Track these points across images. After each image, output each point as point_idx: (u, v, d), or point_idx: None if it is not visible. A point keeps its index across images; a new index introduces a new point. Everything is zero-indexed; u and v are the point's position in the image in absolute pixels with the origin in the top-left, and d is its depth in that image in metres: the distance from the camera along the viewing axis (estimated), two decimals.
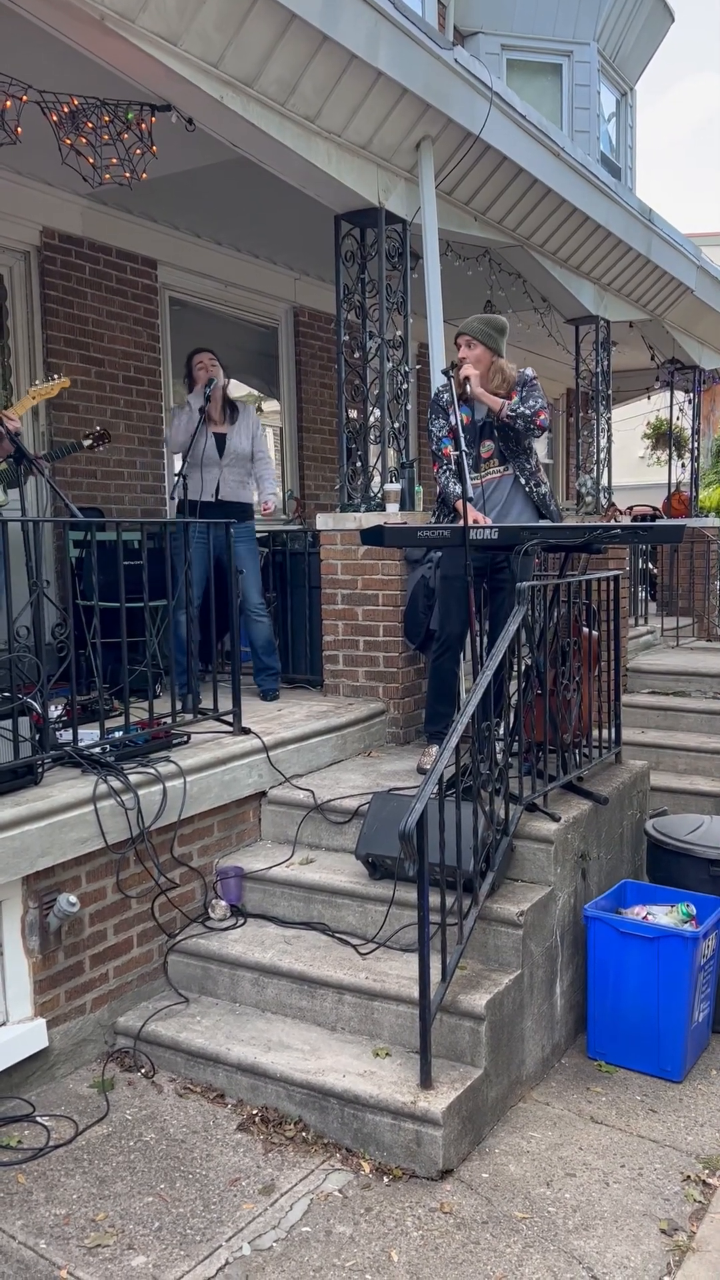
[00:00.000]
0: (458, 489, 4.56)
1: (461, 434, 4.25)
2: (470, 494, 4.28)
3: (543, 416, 4.53)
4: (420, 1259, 2.71)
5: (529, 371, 4.63)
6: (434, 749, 4.74)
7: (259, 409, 8.83)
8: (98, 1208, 2.90)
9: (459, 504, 4.52)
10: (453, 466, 4.61)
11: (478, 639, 4.49)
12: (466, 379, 4.52)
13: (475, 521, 4.30)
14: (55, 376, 4.99)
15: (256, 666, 5.59)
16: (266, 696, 5.50)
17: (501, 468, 4.65)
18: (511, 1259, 2.72)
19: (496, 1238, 2.81)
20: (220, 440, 5.52)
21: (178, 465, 5.45)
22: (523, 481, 4.66)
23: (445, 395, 4.57)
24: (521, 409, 4.51)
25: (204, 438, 5.48)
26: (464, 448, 4.21)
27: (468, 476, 4.25)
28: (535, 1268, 2.69)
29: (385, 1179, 3.06)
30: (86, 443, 5.25)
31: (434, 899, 3.23)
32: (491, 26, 10.21)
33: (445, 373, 4.58)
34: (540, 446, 12.95)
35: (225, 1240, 2.77)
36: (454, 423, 4.38)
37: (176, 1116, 3.35)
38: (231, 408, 5.63)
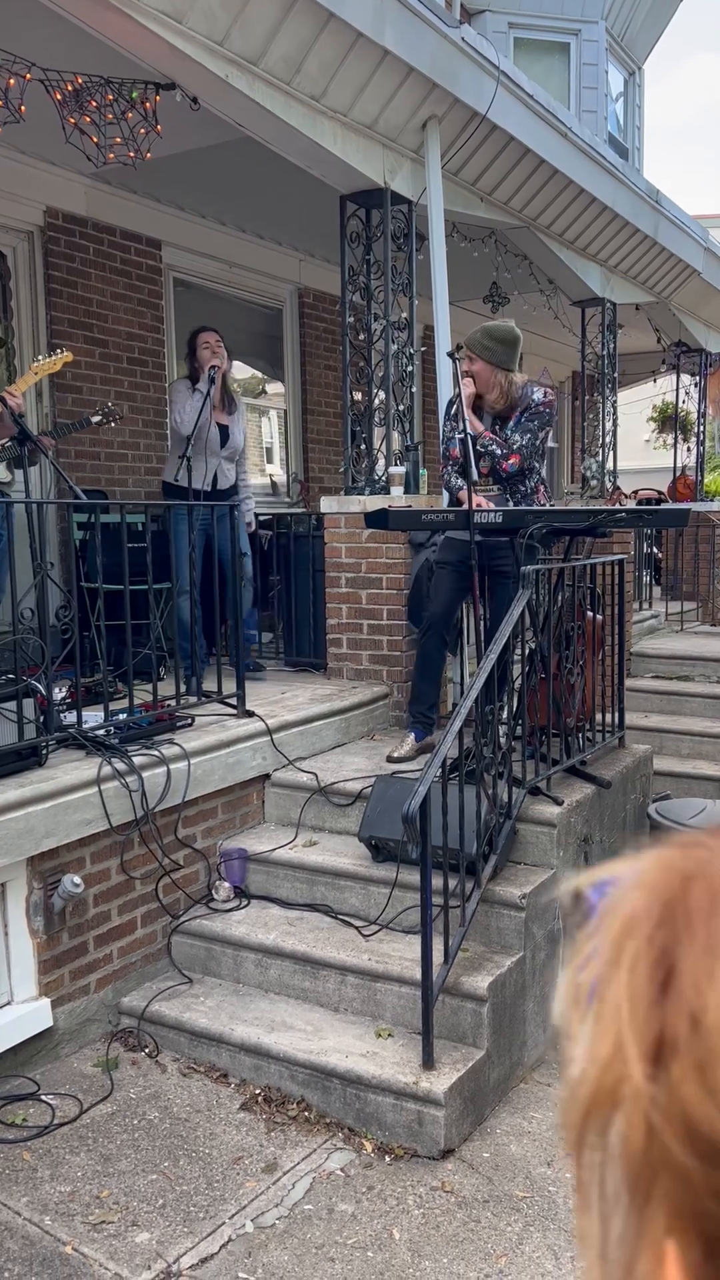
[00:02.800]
0: (458, 482, 4.56)
1: (468, 421, 4.25)
2: (475, 477, 4.28)
3: (511, 462, 4.44)
4: (422, 1237, 2.74)
5: (537, 396, 4.48)
6: (410, 736, 4.71)
7: (263, 390, 8.81)
8: (102, 1185, 2.93)
9: (460, 495, 4.52)
10: (457, 464, 4.61)
11: (480, 624, 4.48)
12: (458, 394, 4.41)
13: (477, 505, 4.30)
14: (59, 351, 4.96)
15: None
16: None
17: (496, 486, 4.63)
18: (512, 1237, 2.75)
19: (497, 1216, 2.83)
20: (224, 431, 5.54)
21: (180, 448, 5.43)
22: (511, 505, 4.61)
23: (455, 405, 4.55)
24: (492, 448, 4.46)
25: (210, 426, 5.48)
26: (469, 436, 4.22)
27: (472, 464, 4.25)
28: (535, 1246, 2.71)
29: (387, 1158, 3.08)
30: (95, 419, 5.22)
31: (437, 881, 3.24)
32: (499, 4, 10.11)
33: (451, 355, 4.57)
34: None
35: (228, 1218, 2.79)
36: (464, 429, 4.39)
37: (180, 1096, 3.37)
38: (229, 397, 5.64)
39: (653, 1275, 0.40)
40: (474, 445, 4.51)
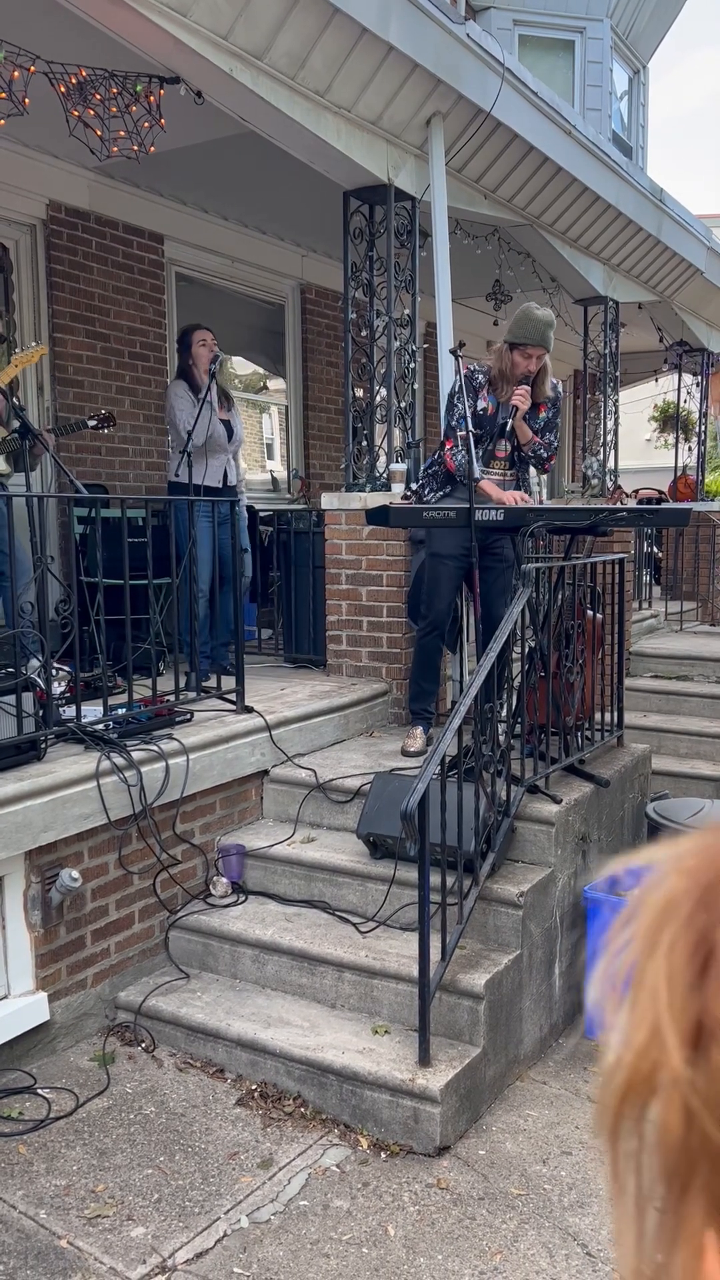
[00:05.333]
0: (476, 469, 4.61)
1: (486, 419, 4.46)
2: (479, 475, 4.29)
3: (551, 461, 4.80)
4: (416, 1234, 2.74)
5: (560, 388, 4.71)
6: (419, 730, 4.78)
7: (264, 386, 8.80)
8: (98, 1179, 2.93)
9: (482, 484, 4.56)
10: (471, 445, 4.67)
11: (475, 618, 4.49)
12: (515, 409, 4.54)
13: (501, 501, 4.32)
14: (34, 344, 5.00)
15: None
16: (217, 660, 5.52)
17: (511, 470, 4.78)
18: (507, 1235, 2.75)
19: (492, 1214, 2.83)
20: (228, 427, 5.56)
21: (180, 445, 5.42)
22: (524, 489, 4.83)
23: (480, 377, 4.61)
24: (541, 452, 4.72)
25: (214, 424, 5.50)
26: (478, 431, 4.29)
27: (474, 458, 4.25)
28: (530, 1244, 2.72)
29: (383, 1155, 3.08)
30: (91, 423, 5.21)
31: (434, 879, 3.24)
32: (504, 1, 10.09)
33: (453, 352, 4.56)
34: None
35: (224, 1212, 2.79)
36: (479, 408, 4.58)
37: (176, 1090, 3.38)
38: (224, 393, 5.69)
39: (691, 1268, 0.39)
40: (522, 452, 4.71)
